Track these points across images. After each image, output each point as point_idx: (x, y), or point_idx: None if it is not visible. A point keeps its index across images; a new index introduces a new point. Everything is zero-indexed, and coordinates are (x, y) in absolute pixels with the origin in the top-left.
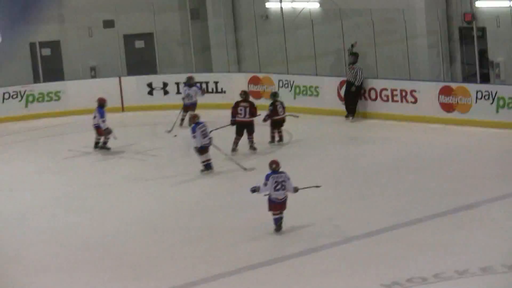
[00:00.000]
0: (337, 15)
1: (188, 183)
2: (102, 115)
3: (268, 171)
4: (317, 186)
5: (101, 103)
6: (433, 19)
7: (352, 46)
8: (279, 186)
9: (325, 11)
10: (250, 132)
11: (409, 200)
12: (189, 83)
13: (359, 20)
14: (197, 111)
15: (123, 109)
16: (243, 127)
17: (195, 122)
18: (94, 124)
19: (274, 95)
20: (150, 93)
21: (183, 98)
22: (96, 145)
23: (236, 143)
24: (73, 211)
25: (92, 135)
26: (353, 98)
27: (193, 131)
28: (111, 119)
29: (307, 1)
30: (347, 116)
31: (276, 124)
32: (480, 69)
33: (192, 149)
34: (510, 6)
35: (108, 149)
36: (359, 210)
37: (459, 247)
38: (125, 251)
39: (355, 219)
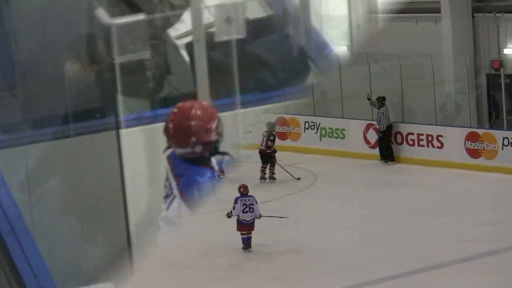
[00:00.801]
0: (365, 59)
1: (209, 221)
2: None
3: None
4: (282, 217)
5: None
6: (461, 65)
7: (368, 98)
8: (247, 209)
9: (353, 55)
10: (269, 163)
11: (433, 244)
12: None
13: (387, 64)
14: None
15: None
16: (262, 157)
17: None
18: None
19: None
20: None
21: None
22: None
23: (262, 171)
24: None
25: None
26: (381, 143)
27: None
28: None
29: (335, 44)
30: (381, 160)
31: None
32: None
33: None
34: None
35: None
36: (382, 252)
37: None
38: None
39: (379, 261)
